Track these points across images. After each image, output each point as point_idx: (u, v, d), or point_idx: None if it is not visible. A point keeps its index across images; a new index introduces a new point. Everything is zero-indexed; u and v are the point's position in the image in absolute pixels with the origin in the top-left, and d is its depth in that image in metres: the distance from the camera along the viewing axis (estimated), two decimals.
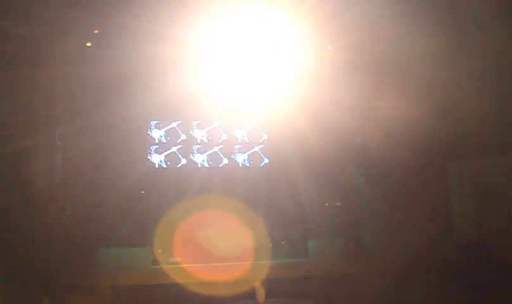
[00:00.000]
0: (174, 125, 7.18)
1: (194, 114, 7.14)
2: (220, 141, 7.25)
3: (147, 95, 6.54)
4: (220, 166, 7.17)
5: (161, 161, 7.06)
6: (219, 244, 5.85)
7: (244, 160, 7.26)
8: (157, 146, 7.07)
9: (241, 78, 6.31)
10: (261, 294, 4.07)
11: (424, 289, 4.48)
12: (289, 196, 6.65)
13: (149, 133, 7.07)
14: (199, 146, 7.17)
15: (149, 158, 7.01)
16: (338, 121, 6.13)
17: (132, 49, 5.75)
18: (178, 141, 7.14)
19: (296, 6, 5.16)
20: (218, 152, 7.23)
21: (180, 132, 7.18)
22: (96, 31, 5.41)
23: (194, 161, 7.12)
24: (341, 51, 5.86)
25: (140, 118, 6.88)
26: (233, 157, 7.26)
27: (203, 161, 7.17)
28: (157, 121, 7.11)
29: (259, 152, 7.34)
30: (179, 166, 7.08)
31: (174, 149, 7.13)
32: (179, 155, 7.14)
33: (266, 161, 7.28)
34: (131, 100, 6.49)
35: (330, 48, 5.97)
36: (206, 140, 7.21)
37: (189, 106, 6.86)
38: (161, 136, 7.12)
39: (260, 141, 7.35)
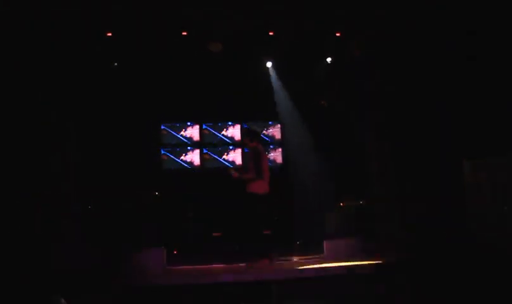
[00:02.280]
0: (191, 125, 7.26)
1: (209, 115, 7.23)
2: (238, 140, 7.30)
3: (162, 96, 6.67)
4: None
5: (182, 161, 7.16)
6: None
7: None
8: (170, 149, 7.14)
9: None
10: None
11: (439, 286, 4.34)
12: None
13: (165, 133, 7.16)
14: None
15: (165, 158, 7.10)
16: None
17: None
18: (197, 142, 7.22)
19: None
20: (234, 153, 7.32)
21: (198, 133, 7.25)
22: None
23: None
24: None
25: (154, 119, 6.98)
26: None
27: (223, 160, 7.25)
28: (170, 124, 7.18)
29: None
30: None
31: (193, 149, 7.22)
32: (198, 156, 7.21)
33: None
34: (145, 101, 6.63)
35: None
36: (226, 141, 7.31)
37: (204, 107, 6.96)
38: (182, 136, 7.22)
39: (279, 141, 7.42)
